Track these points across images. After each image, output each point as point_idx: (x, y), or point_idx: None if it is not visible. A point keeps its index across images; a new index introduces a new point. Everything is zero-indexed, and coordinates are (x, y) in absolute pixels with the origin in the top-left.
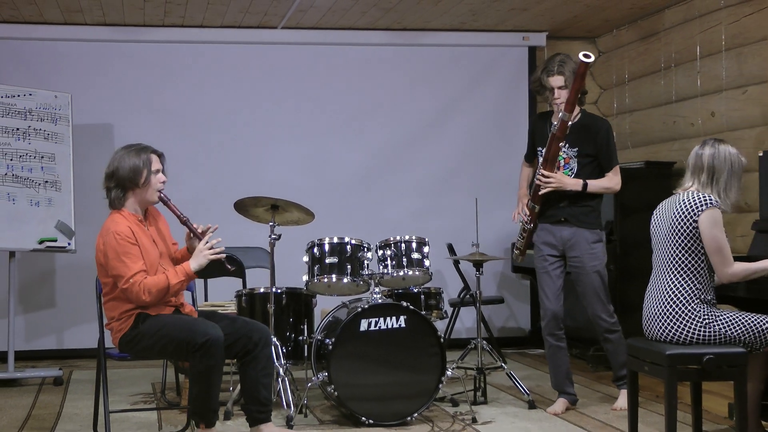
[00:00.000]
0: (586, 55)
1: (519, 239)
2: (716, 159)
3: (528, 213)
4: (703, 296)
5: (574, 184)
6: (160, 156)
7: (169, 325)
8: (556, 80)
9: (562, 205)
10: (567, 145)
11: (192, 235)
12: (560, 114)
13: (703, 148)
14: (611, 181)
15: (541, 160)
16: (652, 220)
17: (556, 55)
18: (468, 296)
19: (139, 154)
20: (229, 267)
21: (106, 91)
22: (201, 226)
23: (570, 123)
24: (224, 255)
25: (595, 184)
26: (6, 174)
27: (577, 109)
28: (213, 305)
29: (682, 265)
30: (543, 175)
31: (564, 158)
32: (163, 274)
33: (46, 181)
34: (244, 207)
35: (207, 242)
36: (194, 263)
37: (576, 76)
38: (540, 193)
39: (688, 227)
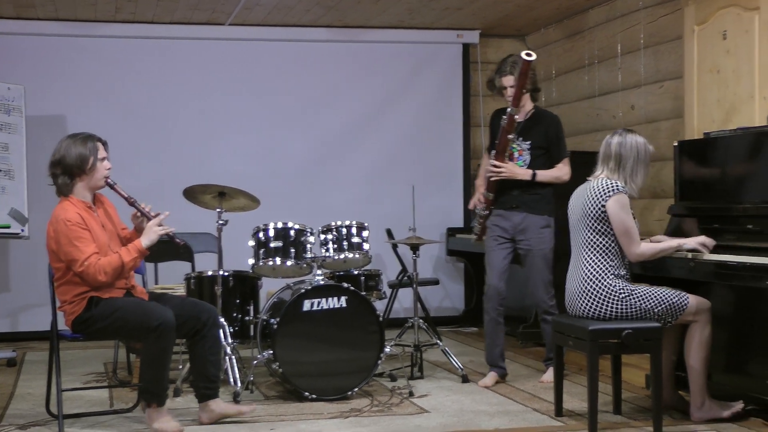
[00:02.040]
0: (528, 54)
1: (476, 225)
2: (623, 147)
3: (483, 200)
4: (616, 272)
5: (524, 173)
6: (105, 144)
7: (124, 309)
8: (508, 80)
9: (514, 193)
10: (521, 138)
11: (140, 215)
12: (509, 109)
13: (612, 137)
14: (560, 171)
15: (493, 152)
16: (569, 205)
17: (509, 57)
18: (405, 278)
19: (85, 142)
20: (179, 241)
21: (59, 83)
22: (149, 205)
23: (523, 118)
24: (173, 230)
25: (544, 174)
26: None
27: (530, 105)
28: (163, 288)
29: (595, 245)
30: (494, 166)
31: (518, 150)
32: (116, 253)
33: (0, 170)
34: (192, 194)
35: (158, 220)
36: (145, 239)
37: (519, 73)
38: (491, 180)
39: (597, 211)
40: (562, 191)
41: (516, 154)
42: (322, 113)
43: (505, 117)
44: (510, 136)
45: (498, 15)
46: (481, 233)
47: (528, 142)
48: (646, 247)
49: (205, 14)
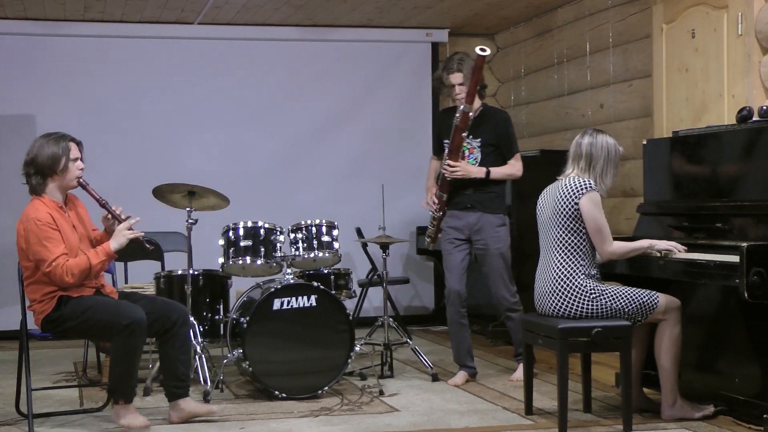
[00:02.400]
0: (482, 49)
1: (430, 227)
2: (593, 147)
3: (437, 202)
4: (587, 271)
5: (478, 171)
6: (78, 144)
7: (94, 308)
8: (456, 77)
9: (468, 192)
10: (470, 136)
11: (110, 217)
12: (461, 107)
13: (583, 137)
14: (513, 167)
15: (446, 151)
16: (538, 204)
17: (455, 54)
18: (375, 277)
19: (58, 142)
20: (148, 246)
21: (28, 83)
22: (120, 208)
23: (472, 115)
24: (142, 234)
25: (497, 171)
26: None
27: (478, 102)
28: (133, 287)
29: (566, 244)
30: (449, 165)
31: (468, 148)
32: (84, 255)
33: None
34: (162, 193)
35: (128, 224)
36: (114, 243)
37: (474, 69)
38: (448, 179)
39: (569, 209)
40: (522, 190)
41: (467, 152)
42: (291, 112)
43: (457, 115)
44: (464, 134)
45: (467, 14)
46: (435, 235)
47: (478, 140)
48: (617, 246)
49: (174, 13)
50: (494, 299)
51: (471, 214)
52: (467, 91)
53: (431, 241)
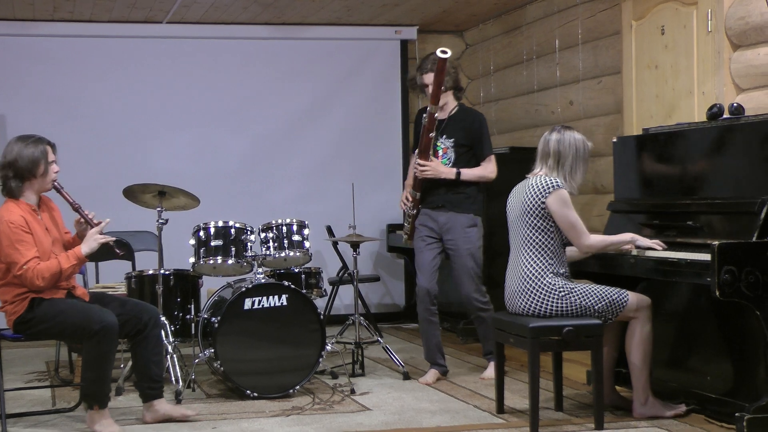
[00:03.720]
0: (443, 51)
1: (406, 224)
2: (561, 144)
3: (410, 199)
4: (555, 270)
5: (448, 172)
6: (53, 147)
7: (66, 312)
8: (429, 77)
9: (440, 192)
10: (444, 136)
11: (83, 221)
12: (428, 107)
13: (551, 134)
14: (485, 169)
15: (416, 150)
16: (507, 203)
17: (429, 55)
18: (346, 275)
19: (37, 145)
20: (118, 251)
21: None
22: (92, 213)
23: (447, 116)
24: (113, 239)
25: (468, 173)
26: None
27: (453, 103)
28: (104, 287)
29: (534, 243)
30: (419, 164)
31: (442, 148)
32: (55, 259)
33: None
34: (132, 193)
35: (100, 229)
36: (85, 247)
37: (436, 71)
38: (417, 178)
39: (536, 208)
40: (492, 188)
41: (440, 152)
42: (261, 111)
43: (424, 116)
44: (431, 135)
45: (436, 11)
46: (411, 232)
47: (452, 140)
48: (595, 239)
49: (142, 12)
50: (464, 299)
51: (441, 214)
52: (432, 92)
53: (408, 238)
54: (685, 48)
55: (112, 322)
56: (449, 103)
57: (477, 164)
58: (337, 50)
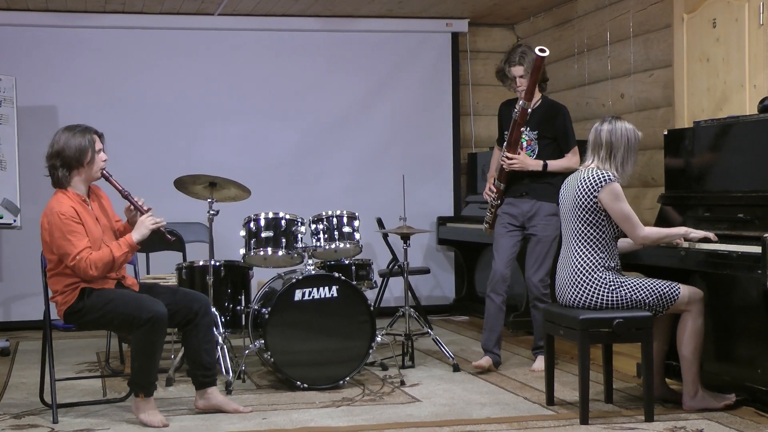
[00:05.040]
0: (541, 50)
1: (488, 214)
2: (613, 135)
3: (494, 191)
4: (607, 264)
5: (535, 165)
6: (101, 136)
7: (115, 301)
8: (518, 70)
9: (524, 181)
10: (528, 128)
11: (133, 208)
12: (520, 102)
13: (602, 125)
14: (570, 161)
15: (505, 143)
16: (560, 195)
17: (518, 47)
18: (396, 267)
19: (84, 134)
20: (170, 237)
21: (50, 74)
22: (142, 199)
23: (532, 107)
24: (165, 224)
25: (554, 164)
26: None
27: (538, 95)
28: (155, 278)
29: (586, 237)
30: (507, 157)
31: (526, 140)
32: (107, 248)
33: None
34: (183, 184)
35: (150, 215)
36: (136, 234)
37: (533, 69)
38: (506, 170)
39: (589, 202)
40: None
41: (525, 144)
42: (311, 103)
43: (516, 110)
44: (522, 129)
45: (487, 4)
46: (492, 222)
47: (536, 132)
48: (651, 231)
49: (194, 4)
50: (528, 284)
51: (526, 202)
52: (527, 89)
53: (488, 227)
54: (736, 41)
55: (161, 312)
56: (534, 95)
57: (560, 155)
58: (388, 43)
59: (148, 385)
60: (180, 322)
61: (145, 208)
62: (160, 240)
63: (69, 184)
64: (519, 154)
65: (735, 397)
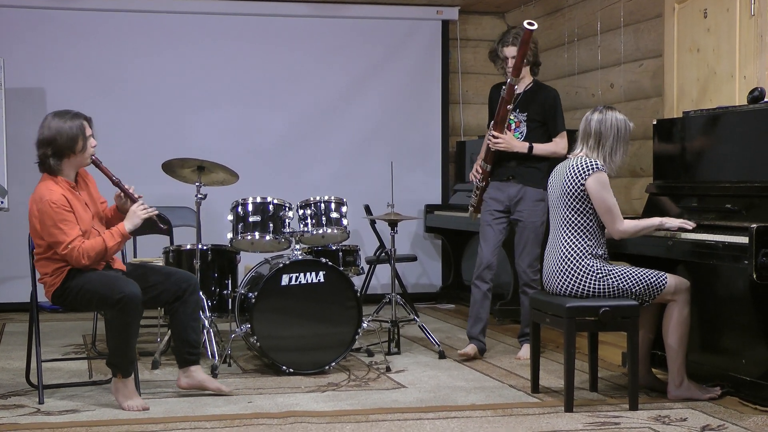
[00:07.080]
0: (530, 23)
1: (473, 196)
2: (603, 125)
3: (480, 171)
4: (594, 251)
5: (521, 146)
6: (89, 121)
7: (92, 281)
8: (510, 50)
9: (511, 164)
10: (518, 109)
11: (123, 195)
12: (509, 79)
13: (593, 114)
14: (557, 145)
15: (491, 122)
16: (549, 183)
17: (512, 29)
18: (383, 254)
19: (74, 120)
20: (162, 226)
21: (38, 56)
22: (132, 186)
23: (523, 90)
24: (156, 212)
25: (540, 148)
26: None
27: (529, 78)
28: (142, 261)
29: (573, 224)
30: (493, 136)
31: (515, 122)
32: (100, 237)
33: None
34: (171, 168)
35: (141, 204)
36: (129, 224)
37: (521, 42)
38: (491, 150)
39: (576, 190)
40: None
41: (513, 126)
42: (300, 89)
43: (504, 87)
44: (509, 107)
45: None
46: (478, 205)
47: (525, 114)
48: (629, 224)
49: None
50: (518, 270)
51: (512, 186)
52: (514, 64)
53: (473, 210)
54: (727, 31)
55: (134, 293)
56: (525, 77)
57: (548, 140)
58: (378, 29)
59: (125, 365)
60: (168, 299)
61: (136, 195)
62: (151, 227)
63: (60, 172)
64: (506, 134)
65: (720, 390)
